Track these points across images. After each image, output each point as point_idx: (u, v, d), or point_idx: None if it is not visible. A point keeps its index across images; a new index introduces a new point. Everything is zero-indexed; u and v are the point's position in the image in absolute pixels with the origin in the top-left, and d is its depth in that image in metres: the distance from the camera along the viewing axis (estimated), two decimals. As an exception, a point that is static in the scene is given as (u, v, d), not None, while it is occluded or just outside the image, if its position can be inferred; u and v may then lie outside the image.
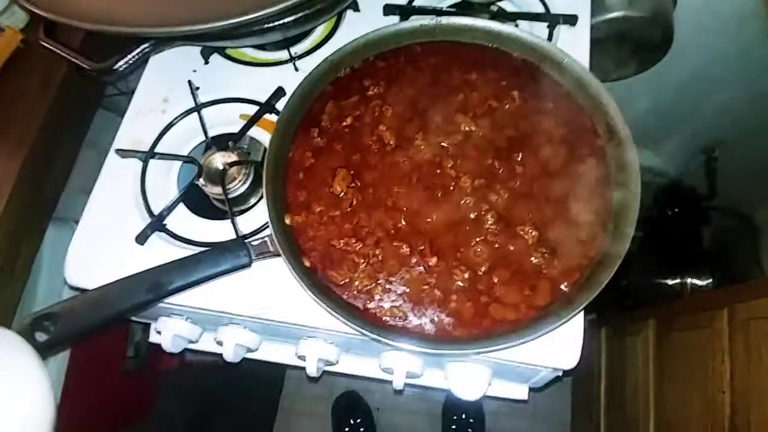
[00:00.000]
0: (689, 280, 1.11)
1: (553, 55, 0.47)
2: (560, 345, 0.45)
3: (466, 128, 0.47)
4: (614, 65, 0.79)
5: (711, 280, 1.09)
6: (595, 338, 1.05)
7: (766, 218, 1.14)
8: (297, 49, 0.57)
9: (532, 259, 0.43)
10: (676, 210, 1.13)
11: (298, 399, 1.13)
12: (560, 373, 0.49)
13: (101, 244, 0.50)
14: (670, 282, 1.14)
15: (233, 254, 0.39)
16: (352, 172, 0.46)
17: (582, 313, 0.46)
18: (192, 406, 0.93)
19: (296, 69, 0.55)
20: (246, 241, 0.41)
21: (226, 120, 0.55)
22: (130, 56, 0.40)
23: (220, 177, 0.49)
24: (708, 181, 1.05)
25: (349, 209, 0.45)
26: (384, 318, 0.42)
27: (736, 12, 0.72)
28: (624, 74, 0.81)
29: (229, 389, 0.96)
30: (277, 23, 0.43)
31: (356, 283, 0.42)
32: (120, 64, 0.40)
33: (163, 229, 0.50)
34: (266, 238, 0.42)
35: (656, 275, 1.13)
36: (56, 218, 0.65)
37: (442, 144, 0.46)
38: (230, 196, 0.50)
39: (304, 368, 0.51)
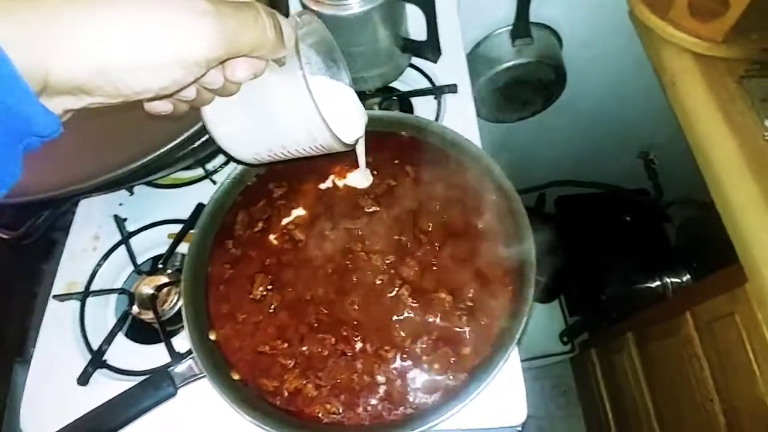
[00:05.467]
0: (668, 279, 1.11)
1: (435, 129, 0.51)
2: (505, 402, 0.45)
3: (370, 210, 0.50)
4: (522, 105, 0.85)
5: (688, 274, 1.09)
6: (589, 360, 1.03)
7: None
8: (215, 162, 0.62)
9: (452, 323, 0.44)
10: (635, 215, 1.15)
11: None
12: (519, 429, 0.48)
13: (50, 390, 0.51)
14: (651, 285, 1.13)
15: (156, 387, 0.40)
16: (269, 275, 0.48)
17: (518, 364, 0.46)
18: None
19: (213, 183, 0.59)
20: (170, 368, 0.42)
21: (155, 243, 0.58)
22: (33, 221, 0.43)
23: (151, 302, 0.51)
24: (652, 182, 1.08)
25: (270, 311, 0.46)
26: (319, 416, 0.42)
27: (615, 43, 0.79)
28: (534, 110, 0.86)
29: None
30: (179, 155, 0.47)
31: (286, 385, 0.43)
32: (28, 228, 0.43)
33: (104, 365, 0.51)
34: (190, 361, 0.43)
35: (635, 282, 1.13)
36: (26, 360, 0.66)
37: (350, 229, 0.49)
38: (165, 317, 0.51)
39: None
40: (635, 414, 0.84)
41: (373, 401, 0.42)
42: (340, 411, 0.42)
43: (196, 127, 0.48)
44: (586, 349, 1.04)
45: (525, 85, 0.79)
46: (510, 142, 1.05)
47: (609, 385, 0.97)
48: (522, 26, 0.74)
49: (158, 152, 0.46)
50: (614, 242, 1.13)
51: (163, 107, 0.28)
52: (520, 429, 0.48)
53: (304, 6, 0.53)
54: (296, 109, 0.30)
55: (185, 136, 0.48)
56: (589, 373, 1.01)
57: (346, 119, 0.39)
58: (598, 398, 0.99)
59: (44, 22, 0.20)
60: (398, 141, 0.53)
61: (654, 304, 0.84)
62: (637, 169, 1.10)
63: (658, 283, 1.11)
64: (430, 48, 0.56)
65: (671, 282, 1.11)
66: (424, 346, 0.43)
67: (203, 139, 0.49)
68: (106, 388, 0.50)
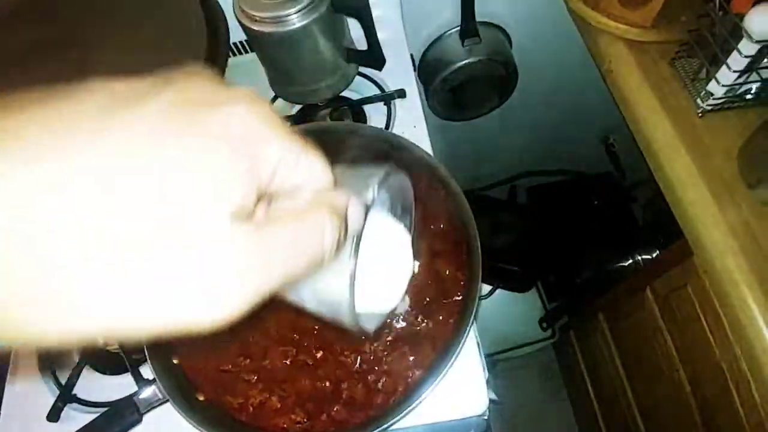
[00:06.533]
0: (639, 257, 1.14)
1: (385, 137, 0.53)
2: (466, 392, 0.46)
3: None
4: (479, 102, 0.87)
5: (657, 250, 1.13)
6: (569, 343, 1.05)
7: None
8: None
9: (409, 322, 0.45)
10: (602, 198, 1.19)
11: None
12: (486, 417, 0.50)
13: (23, 428, 0.51)
14: (624, 264, 1.16)
15: (120, 416, 0.41)
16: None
17: (476, 353, 0.48)
18: None
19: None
20: (134, 396, 0.42)
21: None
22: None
23: (115, 332, 0.51)
24: (614, 165, 1.12)
25: (232, 329, 0.47)
26: (285, 427, 0.43)
27: (560, 35, 0.81)
28: (491, 106, 0.89)
29: None
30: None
31: (251, 400, 0.44)
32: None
33: (74, 399, 0.51)
34: (154, 386, 0.43)
35: (607, 263, 1.16)
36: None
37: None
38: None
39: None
40: (613, 391, 0.87)
41: (337, 407, 0.43)
42: (305, 420, 0.43)
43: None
44: (566, 333, 1.06)
45: (479, 83, 0.81)
46: (475, 138, 1.08)
47: (588, 365, 0.99)
48: (469, 26, 0.77)
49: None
50: (585, 226, 1.16)
51: None
52: (485, 418, 0.50)
53: (243, 25, 0.54)
54: (330, 294, 0.24)
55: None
56: (570, 356, 1.03)
57: (384, 287, 0.33)
58: (579, 379, 1.01)
59: (31, 280, 0.13)
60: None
61: (619, 283, 0.87)
62: (600, 153, 1.14)
63: (630, 261, 1.15)
64: (373, 57, 0.58)
65: (642, 259, 1.14)
66: (382, 347, 0.44)
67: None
68: (79, 422, 0.50)
